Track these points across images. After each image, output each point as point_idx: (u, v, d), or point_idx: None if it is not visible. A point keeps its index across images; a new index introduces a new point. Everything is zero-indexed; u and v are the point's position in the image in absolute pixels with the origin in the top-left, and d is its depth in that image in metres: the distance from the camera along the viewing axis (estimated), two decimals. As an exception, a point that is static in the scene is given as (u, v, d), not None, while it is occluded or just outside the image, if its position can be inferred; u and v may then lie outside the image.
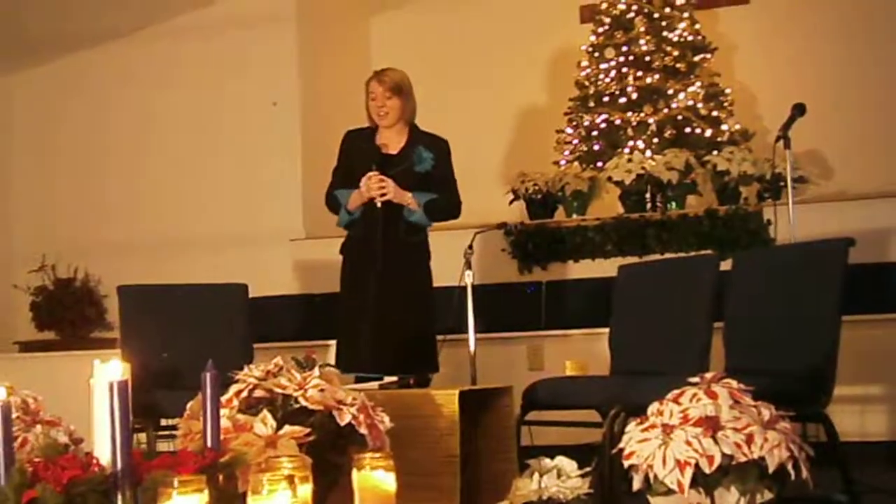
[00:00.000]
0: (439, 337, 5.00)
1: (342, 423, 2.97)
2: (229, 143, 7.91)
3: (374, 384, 4.01)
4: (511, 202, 7.40)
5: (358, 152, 4.99)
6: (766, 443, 2.68)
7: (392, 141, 5.00)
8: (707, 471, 2.66)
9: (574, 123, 7.54)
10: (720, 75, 7.54)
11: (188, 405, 3.10)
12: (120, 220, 8.01)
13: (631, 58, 7.43)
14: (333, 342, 5.17)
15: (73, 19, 7.82)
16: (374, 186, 4.82)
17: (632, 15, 7.51)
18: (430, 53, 8.10)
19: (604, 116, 7.36)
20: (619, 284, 4.97)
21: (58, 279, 7.51)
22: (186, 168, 7.96)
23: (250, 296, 5.63)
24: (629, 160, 7.04)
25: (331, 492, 2.86)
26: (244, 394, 3.06)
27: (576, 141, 7.50)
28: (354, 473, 2.59)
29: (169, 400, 4.44)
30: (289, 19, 7.94)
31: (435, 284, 5.06)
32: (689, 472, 2.66)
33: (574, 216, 7.18)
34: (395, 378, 4.10)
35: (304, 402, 2.99)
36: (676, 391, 2.86)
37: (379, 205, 4.84)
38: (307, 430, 2.88)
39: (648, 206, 7.05)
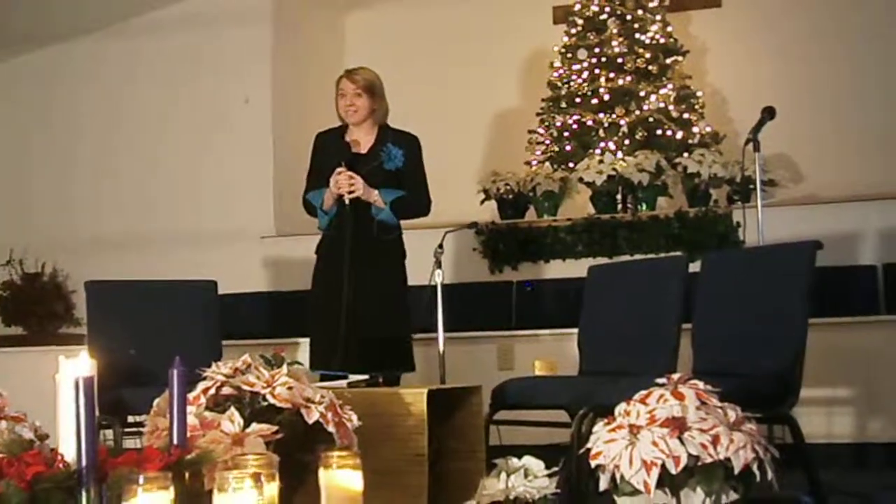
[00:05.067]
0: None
1: (310, 422, 2.97)
2: (201, 139, 7.88)
3: (343, 382, 4.00)
4: (482, 202, 7.41)
5: (328, 152, 4.99)
6: (732, 444, 2.70)
7: (361, 139, 5.00)
8: (673, 471, 2.67)
9: (546, 124, 7.56)
10: (692, 78, 7.58)
11: (155, 402, 3.08)
12: (89, 215, 7.96)
13: (603, 59, 7.45)
14: (302, 340, 5.16)
15: (45, 14, 7.76)
16: (344, 183, 4.81)
17: (604, 17, 7.54)
18: (403, 53, 8.10)
19: (576, 117, 7.38)
20: (589, 285, 4.98)
21: (25, 274, 7.44)
22: (157, 164, 7.93)
23: (220, 293, 5.60)
24: (600, 161, 7.06)
25: (298, 490, 2.85)
26: (212, 391, 3.04)
27: (547, 141, 7.52)
28: (321, 472, 2.59)
29: (136, 396, 4.42)
30: (264, 16, 7.91)
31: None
32: (655, 472, 2.67)
33: (545, 216, 7.20)
34: (363, 376, 4.09)
35: (272, 400, 2.98)
36: (644, 392, 2.88)
37: (347, 202, 4.83)
38: (275, 428, 2.87)
39: (619, 207, 7.08)
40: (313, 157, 5.10)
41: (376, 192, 4.86)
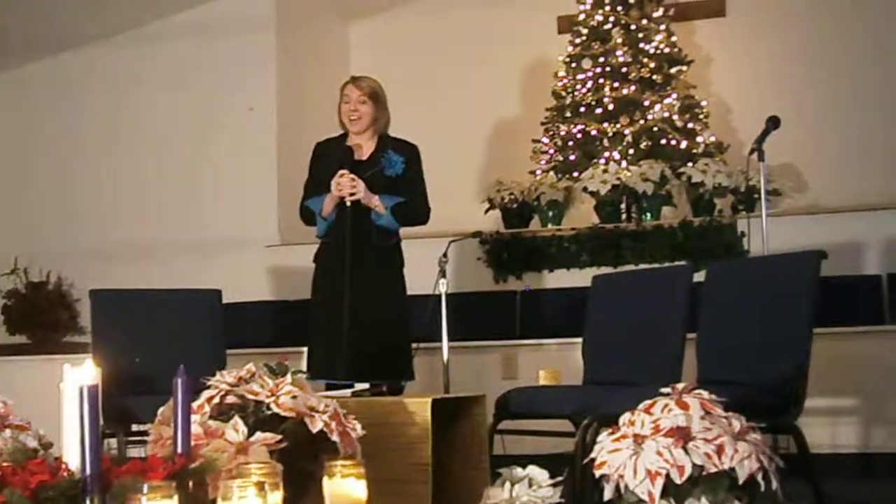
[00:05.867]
0: (413, 345, 4.99)
1: (314, 430, 2.97)
2: (205, 147, 7.88)
3: (347, 391, 4.00)
4: (486, 211, 7.41)
5: (329, 159, 4.99)
6: (737, 454, 2.69)
7: (362, 146, 5.01)
8: (678, 481, 2.66)
9: (550, 133, 7.56)
10: (696, 87, 7.58)
11: (160, 410, 3.08)
12: (94, 223, 7.96)
13: (608, 69, 7.45)
14: (306, 349, 5.16)
15: (50, 23, 7.78)
16: (346, 184, 4.82)
17: (609, 26, 7.54)
18: (408, 62, 8.11)
19: (580, 127, 7.38)
20: (594, 294, 4.98)
21: (30, 283, 7.44)
22: (162, 172, 7.93)
23: (224, 301, 5.61)
24: (605, 171, 7.06)
25: (302, 499, 2.85)
26: (216, 400, 3.05)
27: (552, 151, 7.52)
28: (325, 481, 2.59)
29: (140, 405, 4.42)
30: (268, 24, 7.92)
31: (409, 292, 5.05)
32: (659, 482, 2.66)
33: (549, 226, 7.19)
34: (367, 385, 4.09)
35: (276, 409, 2.99)
36: (648, 401, 2.87)
37: (348, 204, 4.83)
38: (279, 437, 2.87)
39: (623, 216, 7.08)
40: (312, 166, 5.11)
41: (377, 197, 4.88)
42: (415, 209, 4.99)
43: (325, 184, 4.92)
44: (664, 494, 2.68)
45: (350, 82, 5.05)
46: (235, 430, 2.86)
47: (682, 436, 2.72)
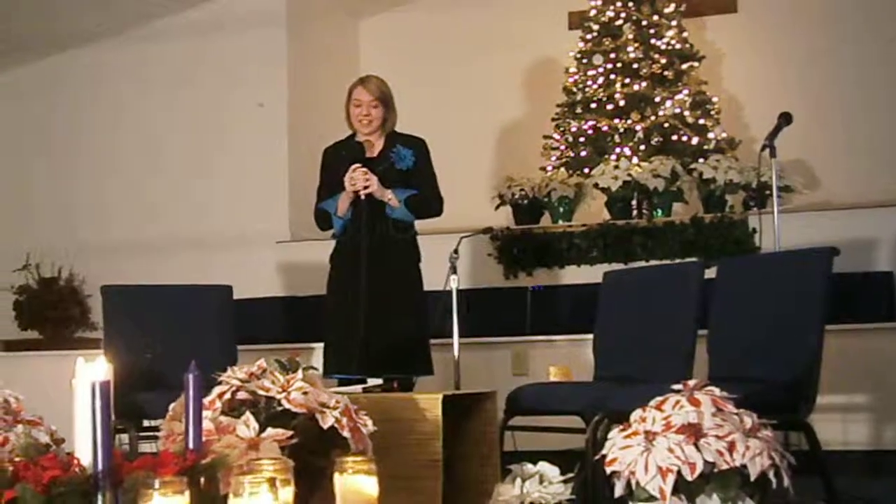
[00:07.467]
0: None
1: (325, 427, 2.97)
2: (216, 144, 7.89)
3: (358, 387, 4.00)
4: (497, 207, 7.40)
5: (340, 160, 5.01)
6: (748, 450, 2.69)
7: (373, 143, 5.03)
8: (689, 478, 2.66)
9: (561, 129, 7.55)
10: (707, 83, 7.56)
11: (171, 406, 3.09)
12: (104, 219, 7.98)
13: (619, 65, 7.44)
14: (317, 345, 5.16)
15: (57, 20, 7.79)
16: (359, 178, 4.83)
17: (620, 22, 7.53)
18: (418, 58, 8.11)
19: (591, 123, 7.37)
20: (605, 291, 4.98)
21: (42, 278, 7.47)
22: (172, 169, 7.94)
23: (235, 297, 5.61)
24: (616, 167, 7.05)
25: (313, 495, 2.86)
26: (227, 396, 3.05)
27: (563, 147, 7.50)
28: (336, 477, 2.59)
29: (152, 401, 4.43)
30: (278, 21, 7.92)
31: (421, 288, 5.06)
32: (671, 479, 2.66)
33: (560, 222, 7.18)
34: (380, 381, 4.09)
35: (287, 405, 2.99)
36: (659, 398, 2.87)
37: (362, 197, 4.84)
38: (290, 433, 2.88)
39: (634, 212, 7.06)
40: (323, 170, 5.13)
41: (390, 191, 4.89)
42: (428, 201, 5.01)
43: (338, 184, 4.93)
44: (675, 491, 2.67)
45: (359, 85, 5.05)
46: (247, 425, 2.87)
47: (693, 433, 2.72)
